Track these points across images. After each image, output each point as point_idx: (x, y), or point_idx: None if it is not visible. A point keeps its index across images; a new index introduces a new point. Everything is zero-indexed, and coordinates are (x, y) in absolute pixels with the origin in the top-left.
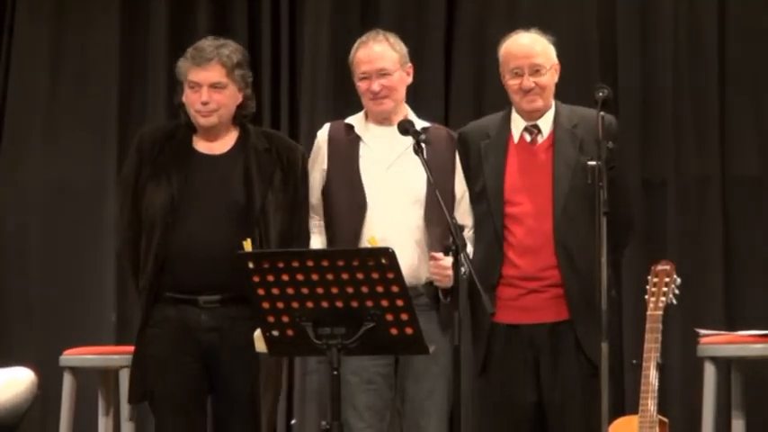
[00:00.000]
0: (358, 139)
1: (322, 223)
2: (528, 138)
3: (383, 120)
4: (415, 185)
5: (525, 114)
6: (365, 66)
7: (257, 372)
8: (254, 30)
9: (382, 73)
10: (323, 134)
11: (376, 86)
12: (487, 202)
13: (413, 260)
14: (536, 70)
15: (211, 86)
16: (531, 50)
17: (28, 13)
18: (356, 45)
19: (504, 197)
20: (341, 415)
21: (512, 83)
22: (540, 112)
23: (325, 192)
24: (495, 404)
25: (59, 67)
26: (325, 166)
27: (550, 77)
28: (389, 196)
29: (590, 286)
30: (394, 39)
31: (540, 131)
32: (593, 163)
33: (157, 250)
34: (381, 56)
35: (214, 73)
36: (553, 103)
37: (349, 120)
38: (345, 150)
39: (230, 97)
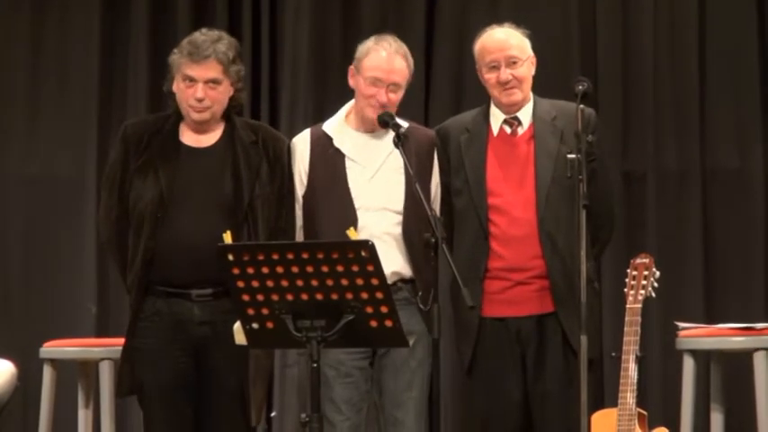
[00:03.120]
0: (339, 153)
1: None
2: (508, 130)
3: (366, 125)
4: (397, 190)
5: (504, 107)
6: (381, 73)
7: (246, 366)
8: (234, 19)
9: (394, 88)
10: (303, 143)
11: (385, 99)
12: (470, 195)
13: (395, 258)
14: (512, 62)
15: (207, 83)
16: (505, 43)
17: (7, 4)
18: (373, 44)
19: (487, 189)
20: (320, 408)
21: (489, 76)
22: (519, 105)
23: (308, 202)
24: (482, 399)
25: (39, 58)
26: (305, 179)
27: (527, 69)
28: (373, 204)
29: (574, 276)
30: (409, 55)
31: (520, 123)
32: (572, 156)
33: (147, 244)
34: (398, 70)
35: (210, 70)
36: (531, 95)
37: (327, 128)
38: (330, 166)
39: (224, 93)
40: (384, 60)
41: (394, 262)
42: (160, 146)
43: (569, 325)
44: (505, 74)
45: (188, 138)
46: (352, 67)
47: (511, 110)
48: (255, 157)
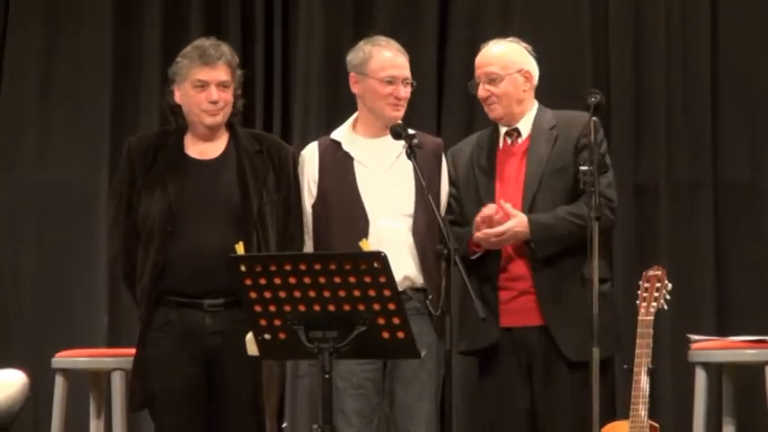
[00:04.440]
0: (348, 156)
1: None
2: (509, 140)
3: (375, 131)
4: (406, 194)
5: (496, 121)
6: (394, 70)
7: (259, 375)
8: (247, 32)
9: (407, 82)
10: (311, 154)
11: (404, 93)
12: (481, 205)
13: (406, 266)
14: (491, 79)
15: (218, 85)
16: (486, 60)
17: (21, 16)
18: (371, 47)
19: (496, 198)
20: (332, 419)
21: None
22: (509, 118)
23: (318, 211)
24: (491, 407)
25: (52, 69)
26: (315, 190)
27: (509, 85)
28: (384, 208)
29: (562, 282)
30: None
31: (519, 134)
32: (585, 168)
33: (156, 257)
34: (406, 65)
35: (221, 72)
36: (535, 106)
37: (335, 135)
38: (340, 170)
39: (232, 96)
40: (393, 58)
41: (406, 267)
42: (166, 160)
43: (560, 334)
44: (482, 90)
45: (193, 150)
46: (353, 74)
47: (507, 122)
48: (261, 166)
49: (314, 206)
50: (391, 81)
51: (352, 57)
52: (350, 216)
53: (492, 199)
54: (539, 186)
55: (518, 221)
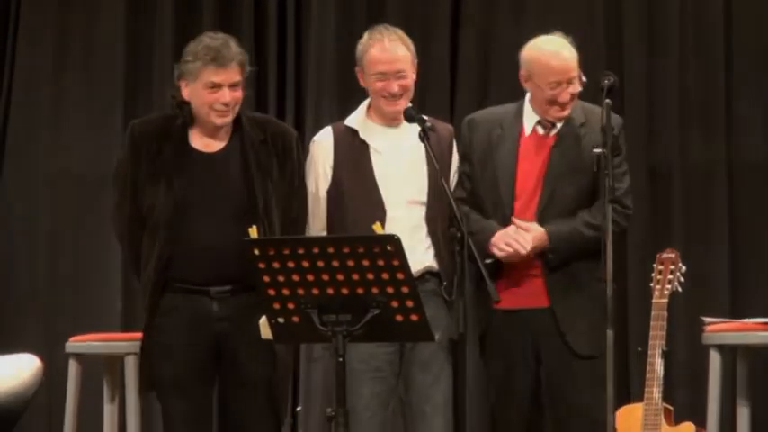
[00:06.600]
0: (365, 144)
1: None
2: (541, 131)
3: (390, 119)
4: (421, 182)
5: (553, 120)
6: (383, 66)
7: (273, 358)
8: (260, 24)
9: (401, 75)
10: (326, 140)
11: (396, 88)
12: (497, 191)
13: (425, 256)
14: (572, 82)
15: (230, 86)
16: (571, 64)
17: (34, 1)
18: (367, 41)
19: (515, 192)
20: (346, 402)
21: (550, 93)
22: None
23: (333, 196)
24: (497, 389)
25: (65, 57)
26: (330, 175)
27: (579, 82)
28: (400, 197)
29: (572, 272)
30: (405, 37)
31: (554, 125)
32: (598, 150)
33: (162, 250)
34: (399, 57)
35: (233, 73)
36: None
37: (350, 122)
38: (356, 158)
39: (241, 94)
40: (383, 53)
41: (424, 258)
42: (171, 152)
43: (563, 318)
44: (567, 95)
45: (198, 142)
46: (357, 68)
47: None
48: (266, 156)
49: (329, 191)
50: (382, 78)
51: (357, 49)
52: (367, 205)
53: (511, 190)
54: (558, 183)
55: (538, 237)
